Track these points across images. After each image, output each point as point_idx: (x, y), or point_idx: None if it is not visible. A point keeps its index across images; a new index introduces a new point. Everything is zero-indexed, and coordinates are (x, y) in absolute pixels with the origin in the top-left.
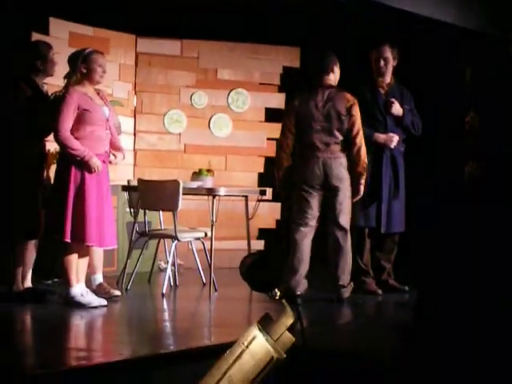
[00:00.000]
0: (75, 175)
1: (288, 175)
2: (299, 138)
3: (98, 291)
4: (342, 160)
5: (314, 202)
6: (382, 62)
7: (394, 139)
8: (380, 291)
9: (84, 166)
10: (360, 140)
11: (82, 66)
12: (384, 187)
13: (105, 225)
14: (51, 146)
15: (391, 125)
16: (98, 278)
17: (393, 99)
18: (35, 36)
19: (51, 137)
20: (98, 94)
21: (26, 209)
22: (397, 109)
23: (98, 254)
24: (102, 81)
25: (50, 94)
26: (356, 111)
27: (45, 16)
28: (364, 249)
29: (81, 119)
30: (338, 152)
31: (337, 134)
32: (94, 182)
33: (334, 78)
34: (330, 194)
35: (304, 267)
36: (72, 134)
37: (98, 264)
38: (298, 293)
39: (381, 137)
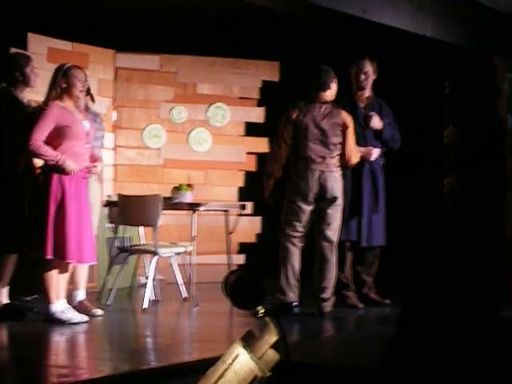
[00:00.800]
0: (56, 191)
1: (278, 185)
2: (294, 150)
3: (78, 308)
4: (337, 174)
5: (305, 215)
6: (363, 76)
7: (374, 152)
8: (361, 305)
9: (60, 171)
10: (354, 156)
11: (62, 81)
12: (364, 201)
13: (84, 241)
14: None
15: (370, 138)
16: (80, 295)
17: (372, 113)
18: (13, 51)
19: None
20: (78, 108)
21: (9, 222)
22: (376, 122)
23: (81, 269)
24: (81, 95)
25: (32, 105)
26: (351, 129)
27: (23, 31)
28: (345, 262)
29: (61, 134)
30: (332, 166)
31: (332, 148)
32: (74, 197)
33: (330, 94)
34: (322, 206)
35: (296, 278)
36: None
37: (81, 280)
38: (295, 303)
39: (361, 150)
